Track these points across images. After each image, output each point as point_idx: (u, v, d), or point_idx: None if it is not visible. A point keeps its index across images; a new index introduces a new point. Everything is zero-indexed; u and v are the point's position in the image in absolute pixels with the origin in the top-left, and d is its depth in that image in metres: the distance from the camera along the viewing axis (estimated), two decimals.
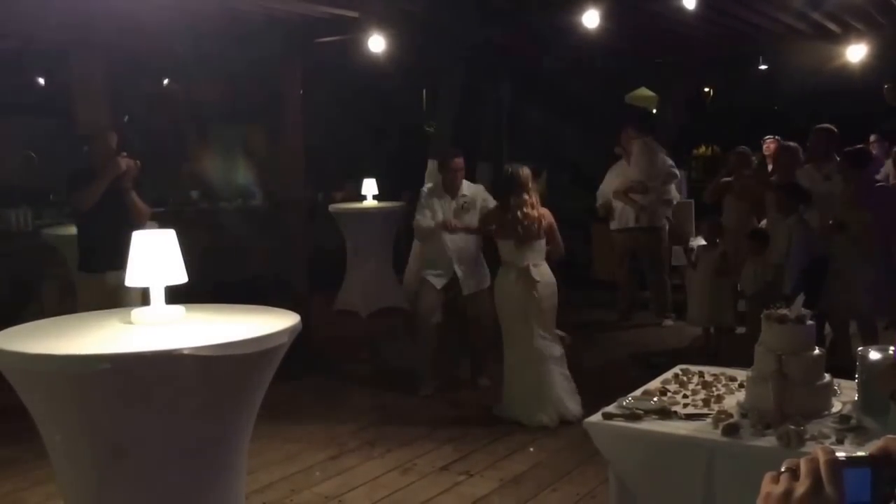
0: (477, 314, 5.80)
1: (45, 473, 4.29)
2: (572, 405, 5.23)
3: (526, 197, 5.19)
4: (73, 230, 6.70)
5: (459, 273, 5.78)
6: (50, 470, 3.27)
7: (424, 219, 5.79)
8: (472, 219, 5.74)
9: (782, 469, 0.97)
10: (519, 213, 5.16)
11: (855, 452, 0.97)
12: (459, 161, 5.82)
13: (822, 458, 0.95)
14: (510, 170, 5.32)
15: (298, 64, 7.06)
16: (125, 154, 5.19)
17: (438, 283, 5.84)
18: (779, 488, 0.96)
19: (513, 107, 10.47)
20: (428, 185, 6.04)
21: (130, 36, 6.61)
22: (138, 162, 5.28)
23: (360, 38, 6.90)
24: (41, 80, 9.48)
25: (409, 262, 8.83)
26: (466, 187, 5.89)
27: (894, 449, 0.95)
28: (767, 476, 0.98)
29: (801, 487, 0.94)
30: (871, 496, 0.94)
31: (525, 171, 5.26)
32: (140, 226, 5.01)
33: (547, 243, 5.31)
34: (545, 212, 5.33)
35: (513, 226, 5.17)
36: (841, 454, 0.96)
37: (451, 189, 5.82)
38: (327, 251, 8.63)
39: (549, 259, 5.35)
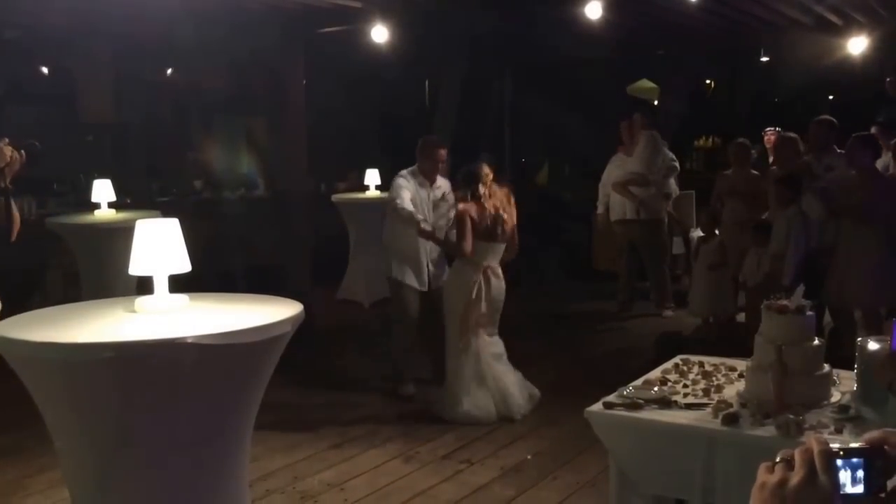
0: (440, 308, 5.59)
1: (49, 460, 4.32)
2: (520, 399, 5.23)
3: (485, 192, 5.10)
4: (77, 219, 6.75)
5: (430, 268, 5.65)
6: (54, 457, 3.30)
7: (408, 203, 5.46)
8: (445, 210, 5.65)
9: (777, 459, 0.99)
10: (494, 210, 5.08)
11: (849, 443, 0.99)
12: (444, 152, 5.68)
13: (816, 449, 0.97)
14: (466, 170, 5.21)
15: (301, 54, 7.07)
16: (6, 140, 3.59)
17: (420, 283, 5.64)
18: (773, 478, 0.97)
19: (514, 97, 10.47)
20: (407, 171, 5.69)
21: (135, 25, 6.61)
22: (23, 152, 3.64)
23: (362, 28, 6.91)
24: (46, 69, 9.49)
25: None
26: (438, 178, 5.72)
27: (888, 440, 0.97)
28: (762, 466, 1.00)
29: (795, 477, 0.96)
30: (864, 486, 0.96)
31: (485, 168, 5.17)
32: (8, 239, 3.78)
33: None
34: (512, 213, 5.22)
35: (490, 224, 5.08)
36: (835, 445, 0.98)
37: (430, 177, 5.65)
38: (330, 241, 8.66)
39: (503, 260, 5.28)
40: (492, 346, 5.25)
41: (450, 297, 5.26)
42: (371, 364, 6.49)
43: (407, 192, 5.53)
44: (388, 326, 6.01)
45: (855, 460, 0.97)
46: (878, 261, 5.59)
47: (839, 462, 0.97)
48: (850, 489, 0.96)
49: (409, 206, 5.46)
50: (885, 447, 0.97)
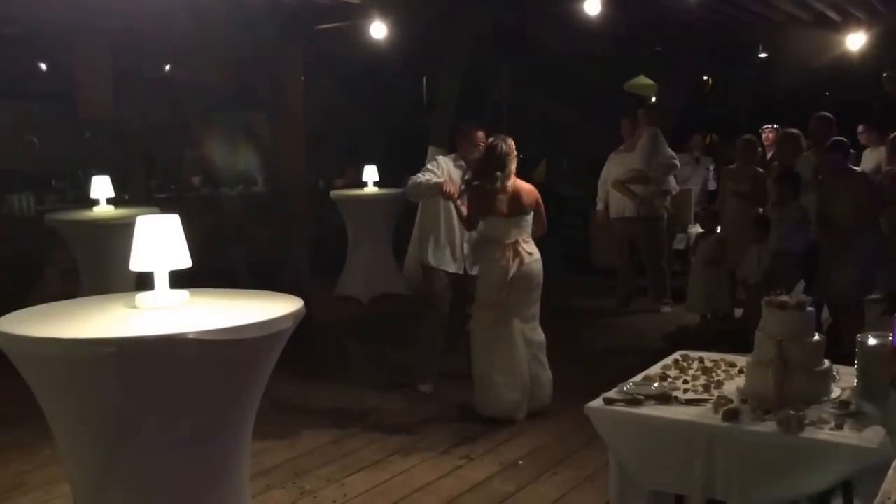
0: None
1: (50, 456, 4.33)
2: (548, 389, 5.18)
3: (509, 171, 4.99)
4: (75, 215, 6.75)
5: (467, 251, 5.38)
6: (54, 453, 3.30)
7: (424, 175, 5.24)
8: None
9: None
10: (502, 185, 4.95)
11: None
12: (483, 134, 5.30)
13: None
14: (492, 143, 5.03)
15: (300, 50, 7.05)
16: None
17: (453, 266, 5.41)
18: None
19: (513, 93, 10.47)
20: (448, 156, 5.48)
21: (133, 21, 6.59)
22: None
23: (361, 24, 6.89)
24: (43, 65, 9.47)
25: (410, 248, 8.84)
26: None
27: None
28: None
29: None
30: None
31: (507, 146, 5.00)
32: None
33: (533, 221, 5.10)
34: (531, 187, 5.11)
35: (498, 200, 4.96)
36: None
37: (469, 163, 5.30)
38: (328, 237, 8.66)
39: (533, 235, 5.13)
40: (530, 332, 5.09)
41: (481, 284, 5.08)
42: (370, 360, 6.50)
43: (431, 174, 5.25)
44: (422, 318, 5.65)
45: None
46: (858, 256, 5.69)
47: None
48: None
49: (425, 178, 5.19)
50: None
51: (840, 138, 6.14)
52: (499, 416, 5.02)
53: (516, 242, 5.01)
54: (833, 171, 5.98)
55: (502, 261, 4.96)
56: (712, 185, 9.59)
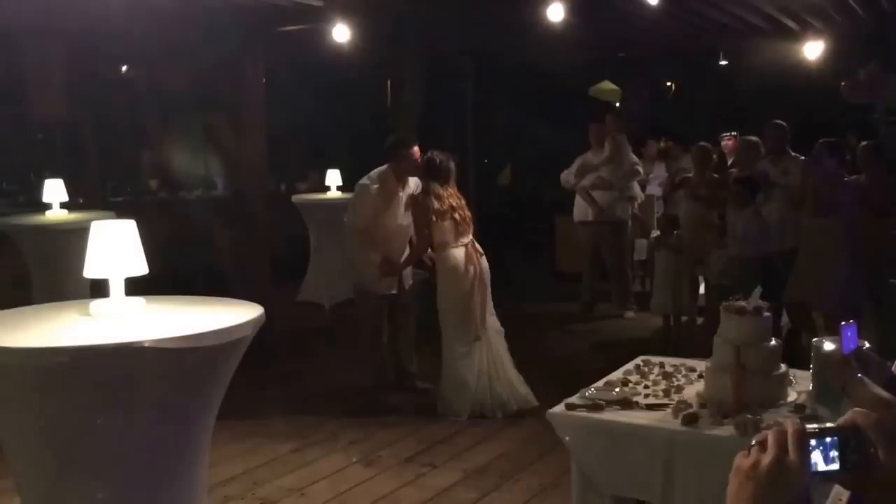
0: (413, 306, 5.59)
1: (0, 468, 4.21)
2: (522, 388, 5.31)
3: (453, 188, 5.31)
4: (26, 220, 6.59)
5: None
6: (4, 465, 3.20)
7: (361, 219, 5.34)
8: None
9: (752, 443, 1.02)
10: (455, 201, 5.23)
11: (825, 424, 1.01)
12: (417, 149, 5.33)
13: (790, 430, 0.99)
14: (441, 159, 5.24)
15: (261, 52, 6.98)
16: None
17: (389, 288, 5.44)
18: (747, 462, 1.00)
19: (477, 98, 10.48)
20: (375, 175, 5.38)
21: (89, 21, 6.45)
22: None
23: (324, 27, 6.84)
24: None
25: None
26: (411, 180, 5.43)
27: (860, 421, 1.00)
28: (740, 453, 1.03)
29: (766, 458, 0.98)
30: (839, 464, 0.99)
31: (444, 157, 5.29)
32: None
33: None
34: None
35: (450, 211, 5.19)
36: (812, 426, 1.00)
37: (403, 179, 5.35)
38: (290, 242, 8.57)
39: None
40: (495, 322, 5.35)
41: (446, 292, 5.22)
42: (332, 367, 6.44)
43: (368, 208, 5.32)
44: (360, 339, 5.68)
45: (829, 440, 0.99)
46: (842, 266, 5.67)
47: (813, 442, 0.99)
48: (822, 467, 0.99)
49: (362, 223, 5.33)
50: (859, 426, 1.00)
51: (833, 140, 6.07)
52: (486, 413, 5.16)
53: (471, 243, 5.27)
54: (825, 179, 5.80)
55: (468, 264, 5.17)
56: (651, 191, 9.38)
